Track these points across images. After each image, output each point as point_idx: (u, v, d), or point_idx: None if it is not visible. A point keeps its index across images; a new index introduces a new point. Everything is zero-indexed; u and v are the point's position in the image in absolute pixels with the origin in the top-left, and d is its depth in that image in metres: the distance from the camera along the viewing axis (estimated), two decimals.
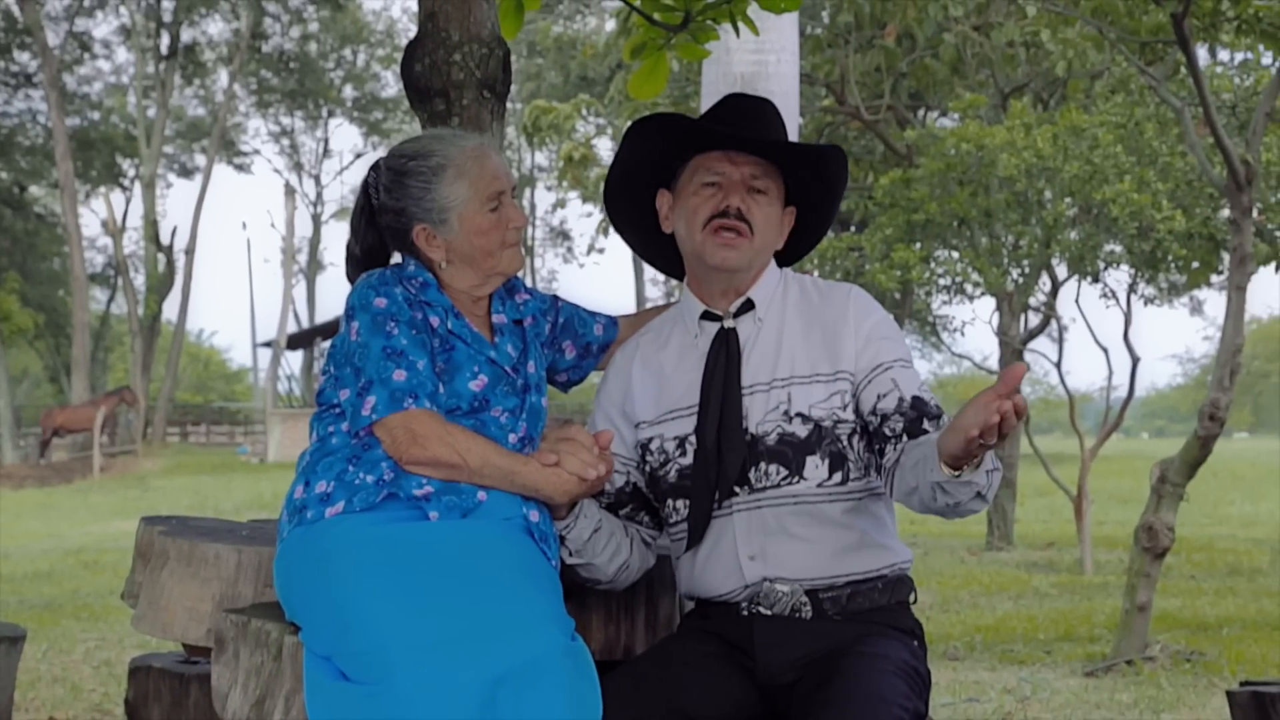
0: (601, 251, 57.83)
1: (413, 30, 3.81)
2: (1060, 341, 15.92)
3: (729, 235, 2.80)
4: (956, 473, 2.48)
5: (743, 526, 2.77)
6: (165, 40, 42.84)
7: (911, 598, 2.85)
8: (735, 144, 2.82)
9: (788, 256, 3.01)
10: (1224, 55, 13.76)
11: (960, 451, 2.41)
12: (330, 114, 55.26)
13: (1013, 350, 16.06)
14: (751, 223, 2.81)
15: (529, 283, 3.07)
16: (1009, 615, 10.82)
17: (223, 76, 46.70)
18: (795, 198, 2.93)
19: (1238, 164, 8.34)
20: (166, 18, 42.61)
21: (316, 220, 58.03)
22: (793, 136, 7.39)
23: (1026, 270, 15.29)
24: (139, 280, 42.85)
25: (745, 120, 2.87)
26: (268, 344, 41.14)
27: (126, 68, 46.74)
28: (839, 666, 2.60)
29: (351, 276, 2.91)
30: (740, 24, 4.38)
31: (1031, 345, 16.67)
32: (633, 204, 3.00)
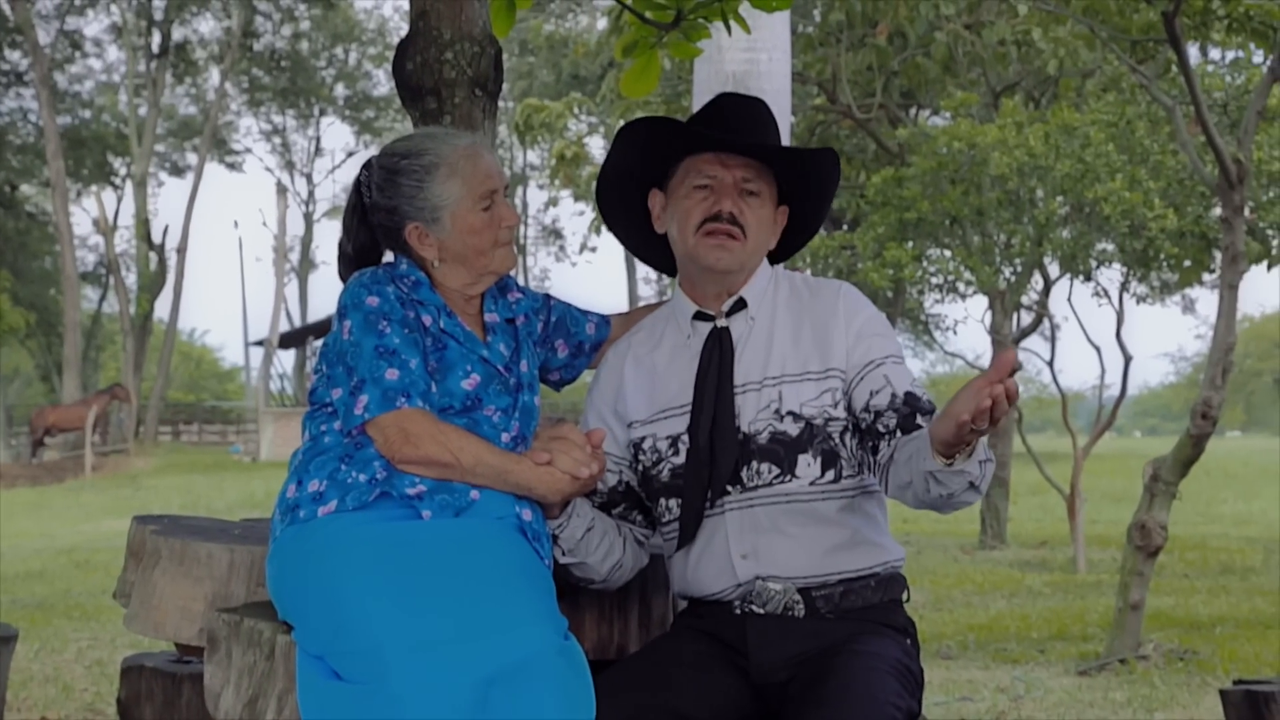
0: (594, 250, 57.77)
1: (404, 29, 3.79)
2: (1053, 340, 15.92)
3: (722, 238, 2.80)
4: (949, 462, 2.48)
5: (735, 525, 2.77)
6: (156, 39, 42.76)
7: (904, 596, 2.85)
8: (727, 147, 2.82)
9: (779, 254, 3.00)
10: (1215, 54, 13.78)
11: (953, 438, 2.41)
12: (322, 112, 55.23)
13: (1005, 349, 16.04)
14: (744, 225, 2.81)
15: (521, 281, 3.07)
16: (1002, 614, 10.83)
17: (214, 75, 46.63)
18: (787, 196, 2.93)
19: (1229, 162, 8.34)
20: (158, 16, 42.53)
21: (308, 219, 58.01)
22: (785, 135, 7.38)
23: (1018, 269, 15.30)
24: (131, 279, 42.71)
25: (737, 121, 2.86)
26: (260, 343, 41.07)
27: (118, 66, 46.67)
28: (832, 665, 2.59)
29: (344, 275, 2.90)
30: (732, 22, 4.37)
31: (1024, 344, 16.71)
32: (625, 203, 2.99)
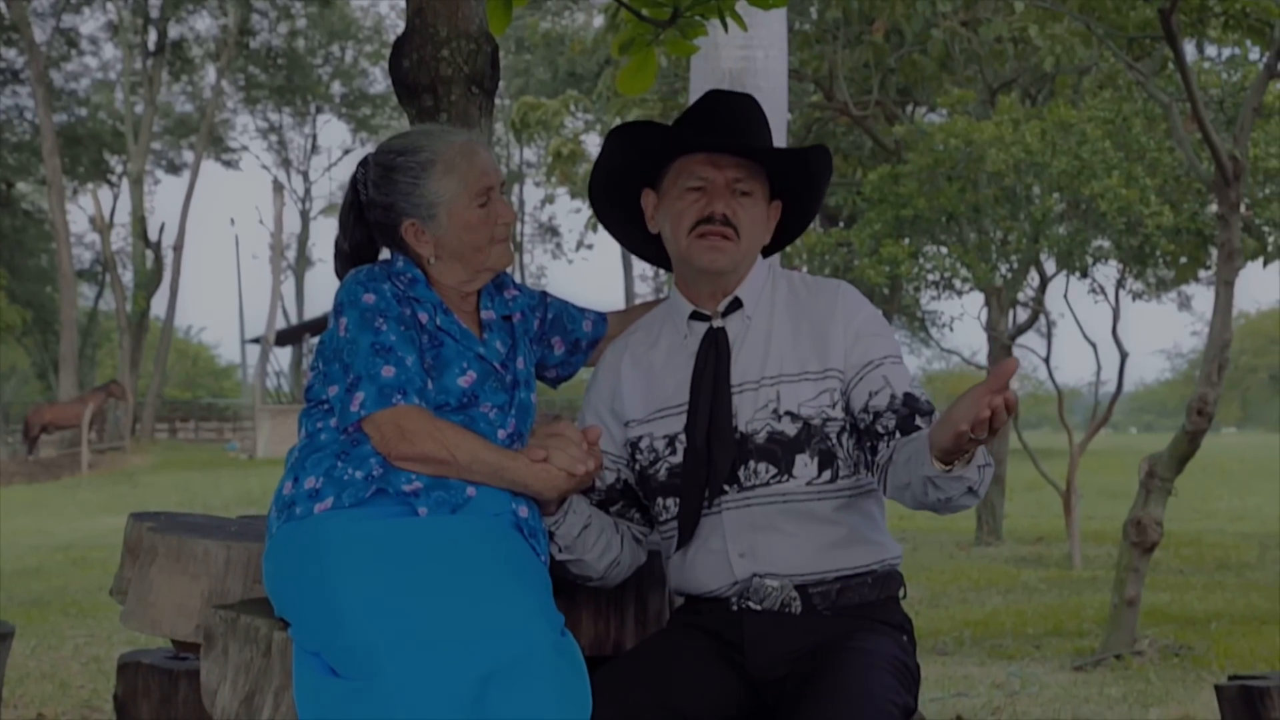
0: (590, 247, 57.86)
1: (401, 26, 3.80)
2: (1049, 337, 15.97)
3: (715, 239, 2.80)
4: (948, 467, 2.47)
5: (732, 524, 2.77)
6: (153, 36, 42.71)
7: (901, 593, 2.85)
8: (719, 148, 2.81)
9: (772, 247, 3.00)
10: (1211, 50, 13.78)
11: (951, 445, 2.41)
12: (318, 110, 55.23)
13: (1001, 345, 16.07)
14: (737, 226, 2.80)
15: (518, 278, 3.07)
16: (998, 610, 10.83)
17: (210, 73, 46.60)
18: (780, 191, 2.93)
19: (1225, 159, 8.35)
20: (154, 14, 42.47)
21: (305, 216, 58.02)
22: (780, 132, 7.39)
23: (1015, 265, 15.30)
24: (127, 277, 42.68)
25: (727, 120, 2.84)
26: (256, 340, 41.03)
27: (114, 64, 46.61)
28: (829, 662, 2.59)
29: (340, 272, 2.90)
30: (729, 20, 4.38)
31: (1020, 340, 16.68)
32: (618, 205, 2.99)
